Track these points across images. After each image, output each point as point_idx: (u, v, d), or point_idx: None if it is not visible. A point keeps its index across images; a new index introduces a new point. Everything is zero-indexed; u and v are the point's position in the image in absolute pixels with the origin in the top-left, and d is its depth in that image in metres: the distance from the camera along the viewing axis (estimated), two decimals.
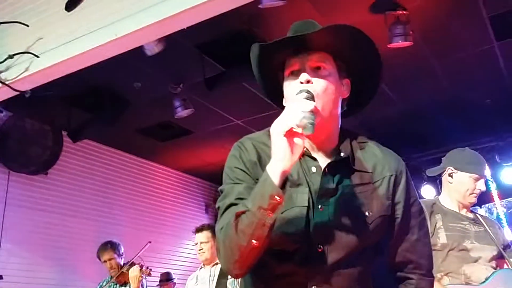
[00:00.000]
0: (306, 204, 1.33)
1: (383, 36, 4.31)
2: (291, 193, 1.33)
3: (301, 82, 1.36)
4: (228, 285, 3.44)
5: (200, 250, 3.68)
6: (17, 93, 3.71)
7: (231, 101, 5.82)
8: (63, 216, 6.03)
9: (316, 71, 1.38)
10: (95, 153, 6.65)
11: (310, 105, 1.25)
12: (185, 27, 2.73)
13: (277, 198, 1.19)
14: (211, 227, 3.86)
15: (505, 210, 6.72)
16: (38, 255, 5.68)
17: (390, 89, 5.77)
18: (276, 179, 1.20)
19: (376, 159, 1.44)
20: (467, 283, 2.54)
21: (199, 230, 3.81)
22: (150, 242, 4.27)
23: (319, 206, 1.34)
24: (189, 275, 7.48)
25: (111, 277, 4.24)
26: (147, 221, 7.07)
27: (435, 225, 2.66)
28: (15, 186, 5.57)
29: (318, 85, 1.36)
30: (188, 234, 7.87)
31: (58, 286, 5.79)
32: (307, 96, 1.29)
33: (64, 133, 5.94)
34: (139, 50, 3.86)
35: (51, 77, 3.25)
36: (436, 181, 6.63)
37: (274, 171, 1.21)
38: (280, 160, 1.21)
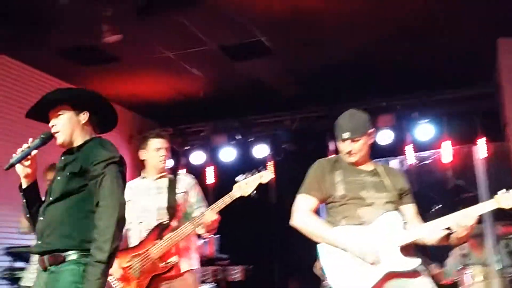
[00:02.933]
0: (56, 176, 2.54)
1: None
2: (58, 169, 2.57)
3: (52, 126, 2.52)
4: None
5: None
6: None
7: (164, 31, 5.64)
8: None
9: (58, 117, 2.51)
10: (12, 70, 6.25)
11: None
12: None
13: (21, 193, 2.55)
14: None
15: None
16: None
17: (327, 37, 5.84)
18: (24, 184, 2.55)
19: (91, 153, 2.45)
20: (360, 224, 2.76)
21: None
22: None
23: (58, 177, 2.51)
24: None
25: None
26: None
27: (334, 180, 2.86)
28: None
29: (59, 123, 2.51)
30: None
31: None
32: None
33: None
34: None
35: None
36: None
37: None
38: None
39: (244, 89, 7.25)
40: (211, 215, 3.21)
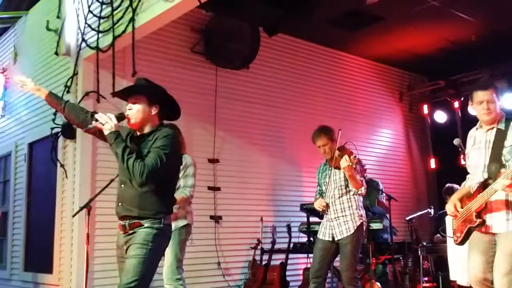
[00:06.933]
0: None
1: None
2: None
3: (128, 109, 3.04)
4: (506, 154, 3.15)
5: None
6: None
7: None
8: (265, 106, 6.57)
9: (134, 103, 3.03)
10: (289, 46, 6.92)
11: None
12: None
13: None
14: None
15: None
16: (246, 141, 6.37)
17: None
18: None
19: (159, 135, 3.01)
20: None
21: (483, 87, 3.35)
22: (340, 129, 4.33)
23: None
24: (381, 162, 7.61)
25: (327, 161, 4.46)
26: (340, 110, 7.28)
27: None
28: (222, 80, 6.19)
29: (133, 110, 3.02)
30: (381, 122, 7.93)
31: (264, 168, 6.49)
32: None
33: (260, 29, 6.28)
34: None
35: None
36: None
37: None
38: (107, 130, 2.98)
39: None
40: None
